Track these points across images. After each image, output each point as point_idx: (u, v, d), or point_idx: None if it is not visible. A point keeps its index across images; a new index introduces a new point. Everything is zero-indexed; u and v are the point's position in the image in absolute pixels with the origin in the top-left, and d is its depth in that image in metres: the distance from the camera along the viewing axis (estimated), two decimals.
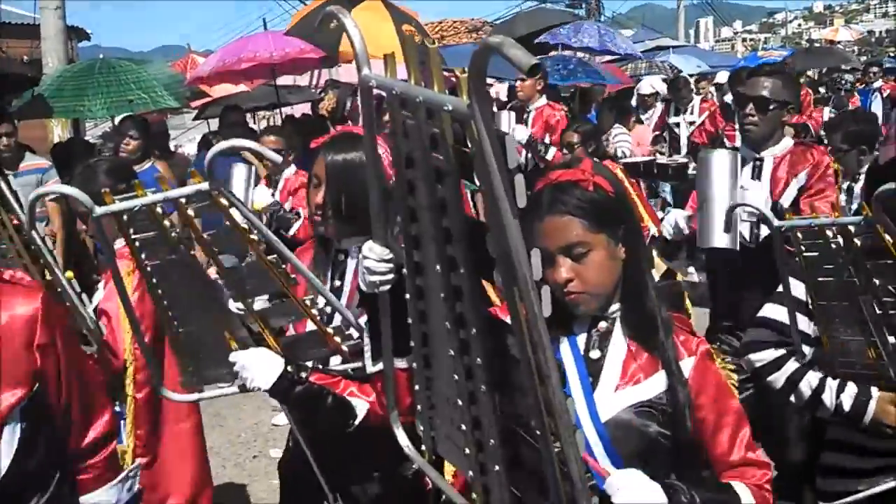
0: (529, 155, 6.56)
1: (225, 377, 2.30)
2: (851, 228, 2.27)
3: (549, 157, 6.34)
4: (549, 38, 11.06)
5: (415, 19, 7.57)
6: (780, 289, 2.52)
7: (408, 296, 1.53)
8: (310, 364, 2.30)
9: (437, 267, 1.21)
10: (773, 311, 2.63)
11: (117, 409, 2.76)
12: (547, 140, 6.60)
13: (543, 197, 1.81)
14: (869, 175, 2.99)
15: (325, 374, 2.29)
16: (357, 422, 2.22)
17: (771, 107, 3.65)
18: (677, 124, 9.10)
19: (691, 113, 9.10)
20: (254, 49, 7.93)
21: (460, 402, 1.42)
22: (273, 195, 5.27)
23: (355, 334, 2.27)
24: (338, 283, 2.46)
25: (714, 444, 1.88)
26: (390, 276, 1.83)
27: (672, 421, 1.82)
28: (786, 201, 3.62)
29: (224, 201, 2.03)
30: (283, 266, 2.17)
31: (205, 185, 1.96)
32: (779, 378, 2.58)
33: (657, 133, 9.34)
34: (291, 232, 4.98)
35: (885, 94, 12.08)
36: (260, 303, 2.31)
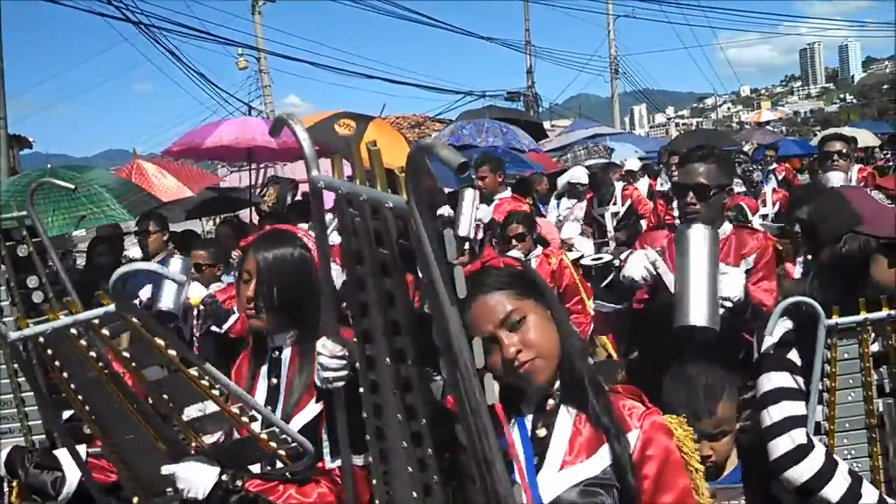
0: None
1: (164, 486, 2.24)
2: None
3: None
4: (453, 140, 10.59)
5: (350, 115, 7.51)
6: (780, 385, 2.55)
7: (362, 390, 1.54)
8: (250, 469, 2.25)
9: (388, 359, 1.24)
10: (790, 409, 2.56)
11: None
12: None
13: (467, 288, 1.87)
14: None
15: (263, 479, 2.24)
16: None
17: (711, 192, 3.53)
18: (602, 215, 8.93)
19: (614, 203, 8.96)
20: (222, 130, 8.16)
21: (415, 495, 1.42)
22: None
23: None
24: (274, 380, 2.46)
25: None
26: (344, 373, 1.84)
27: (623, 497, 1.81)
28: None
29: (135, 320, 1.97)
30: (206, 377, 2.10)
31: (111, 308, 1.92)
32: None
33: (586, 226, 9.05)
34: (226, 326, 4.92)
35: (779, 176, 12.60)
36: (194, 411, 2.27)
